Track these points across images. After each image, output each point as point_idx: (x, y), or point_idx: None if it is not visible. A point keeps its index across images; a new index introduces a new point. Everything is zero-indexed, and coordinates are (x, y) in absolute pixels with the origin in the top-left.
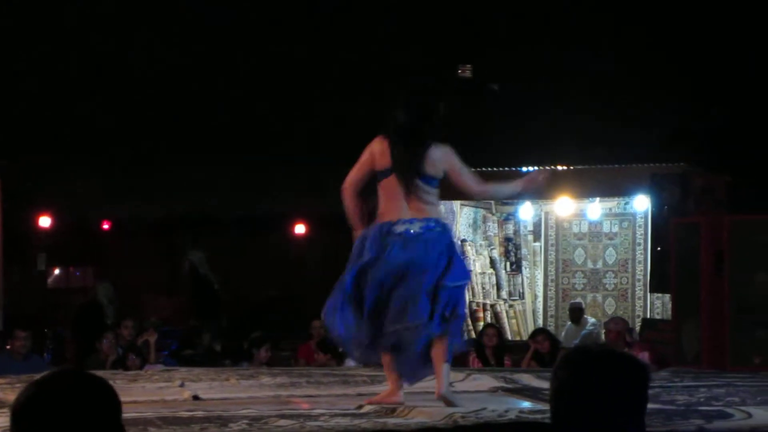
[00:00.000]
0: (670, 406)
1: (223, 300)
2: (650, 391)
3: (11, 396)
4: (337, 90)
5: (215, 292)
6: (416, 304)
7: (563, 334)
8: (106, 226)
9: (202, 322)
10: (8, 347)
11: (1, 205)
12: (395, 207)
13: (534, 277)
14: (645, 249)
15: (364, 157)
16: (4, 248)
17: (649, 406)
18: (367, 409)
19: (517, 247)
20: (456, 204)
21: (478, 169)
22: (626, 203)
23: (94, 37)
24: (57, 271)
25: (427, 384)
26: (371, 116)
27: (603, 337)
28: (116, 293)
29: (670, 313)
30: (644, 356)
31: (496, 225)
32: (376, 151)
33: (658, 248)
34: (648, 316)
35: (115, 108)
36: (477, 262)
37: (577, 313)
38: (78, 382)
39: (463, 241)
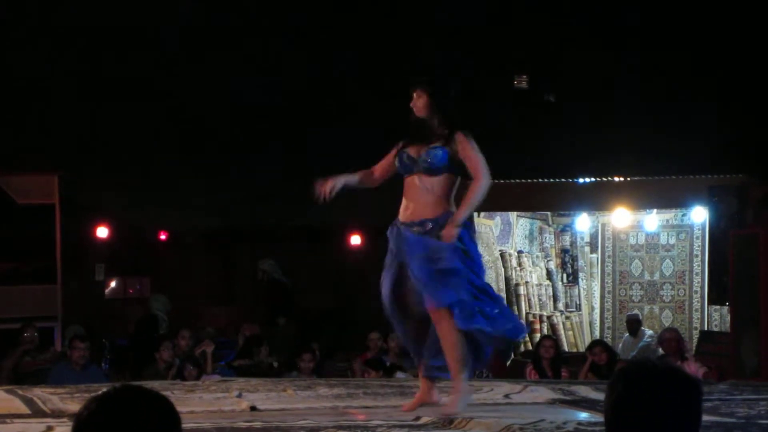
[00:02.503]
0: (730, 419)
1: (296, 301)
2: (709, 404)
3: (70, 406)
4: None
5: (290, 295)
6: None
7: (620, 346)
8: (162, 237)
9: (267, 330)
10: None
11: (60, 216)
12: None
13: (591, 289)
14: (702, 261)
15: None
16: (63, 259)
17: (709, 418)
18: (424, 420)
19: (574, 259)
20: (512, 215)
21: (535, 180)
22: (684, 215)
23: (149, 49)
24: (114, 282)
25: (485, 396)
26: None
27: (660, 349)
28: (170, 304)
29: (728, 325)
30: (698, 368)
31: (552, 236)
32: None
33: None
34: (706, 329)
35: (173, 120)
36: (533, 274)
37: (634, 325)
38: (139, 398)
39: (520, 252)
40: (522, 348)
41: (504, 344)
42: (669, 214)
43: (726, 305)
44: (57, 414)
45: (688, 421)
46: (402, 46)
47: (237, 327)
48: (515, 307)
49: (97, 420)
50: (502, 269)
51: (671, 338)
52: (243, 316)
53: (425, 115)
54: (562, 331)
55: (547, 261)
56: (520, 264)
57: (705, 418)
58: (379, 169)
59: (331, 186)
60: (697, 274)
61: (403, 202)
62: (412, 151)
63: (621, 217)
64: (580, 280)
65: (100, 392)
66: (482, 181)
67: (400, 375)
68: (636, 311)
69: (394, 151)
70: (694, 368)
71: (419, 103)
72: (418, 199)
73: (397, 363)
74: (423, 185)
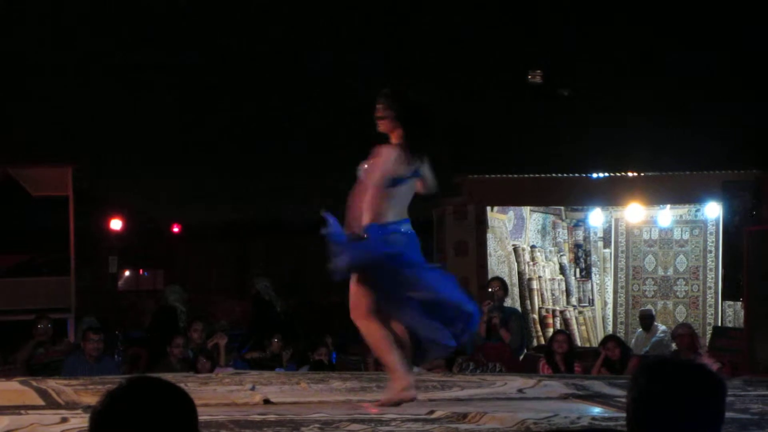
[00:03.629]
0: (745, 415)
1: (283, 322)
2: None
3: (85, 398)
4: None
5: (277, 315)
6: None
7: (633, 341)
8: (176, 229)
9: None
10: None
11: (73, 208)
12: None
13: (604, 284)
14: (716, 256)
15: None
16: (76, 251)
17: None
18: (438, 414)
19: (587, 254)
20: (526, 210)
21: (549, 175)
22: (697, 210)
23: (165, 40)
24: (127, 274)
25: (498, 390)
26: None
27: (674, 344)
28: (186, 294)
29: (742, 321)
30: (712, 363)
31: (565, 231)
32: None
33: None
34: (719, 324)
35: (187, 111)
36: (546, 269)
37: (647, 321)
38: (155, 389)
39: (533, 247)
40: (534, 343)
41: None
42: (683, 210)
43: (739, 301)
44: (71, 405)
45: (711, 417)
46: (414, 44)
47: (249, 320)
48: (528, 302)
49: (114, 412)
50: (515, 264)
51: (684, 334)
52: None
53: (388, 129)
54: (575, 326)
55: (561, 256)
56: (533, 258)
57: None
58: None
59: None
60: (710, 269)
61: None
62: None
63: (634, 212)
64: (593, 275)
65: (116, 384)
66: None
67: (415, 369)
68: (649, 306)
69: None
70: (707, 361)
71: (381, 117)
72: (359, 206)
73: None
74: (361, 193)
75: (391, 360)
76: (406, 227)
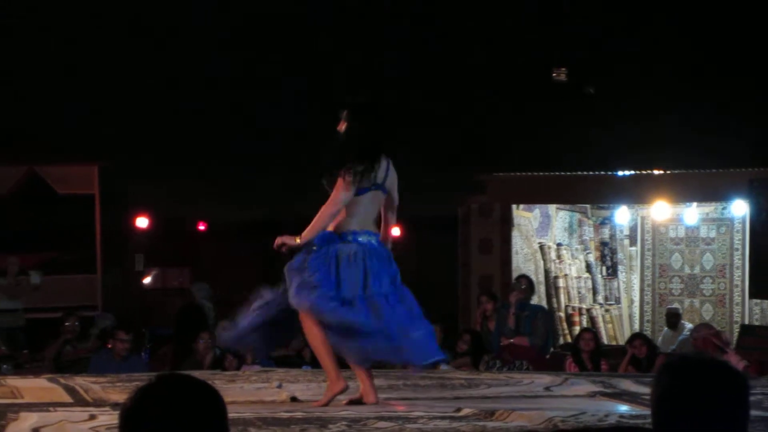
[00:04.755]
0: None
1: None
2: (752, 398)
3: (112, 395)
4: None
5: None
6: None
7: (660, 339)
8: (202, 227)
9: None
10: (109, 346)
11: (100, 206)
12: None
13: (630, 282)
14: (743, 254)
15: None
16: (103, 249)
17: (751, 413)
18: (465, 412)
19: (613, 252)
20: (552, 208)
21: (575, 173)
22: (724, 208)
23: (193, 40)
24: (154, 272)
25: (525, 388)
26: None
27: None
28: (212, 291)
29: None
30: (738, 361)
31: (592, 229)
32: None
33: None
34: (746, 322)
35: (212, 109)
36: (573, 267)
37: (674, 319)
38: (184, 386)
39: (559, 245)
40: (561, 341)
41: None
42: (709, 208)
43: (767, 299)
44: (99, 403)
45: (736, 415)
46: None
47: None
48: (554, 300)
49: (144, 409)
50: (542, 261)
51: (698, 338)
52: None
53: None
54: (601, 324)
55: (587, 254)
56: (559, 256)
57: None
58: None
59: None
60: (737, 267)
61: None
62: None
63: (661, 210)
64: (619, 273)
65: (145, 381)
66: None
67: (444, 367)
68: (676, 305)
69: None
70: (734, 360)
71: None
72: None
73: None
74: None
75: (327, 363)
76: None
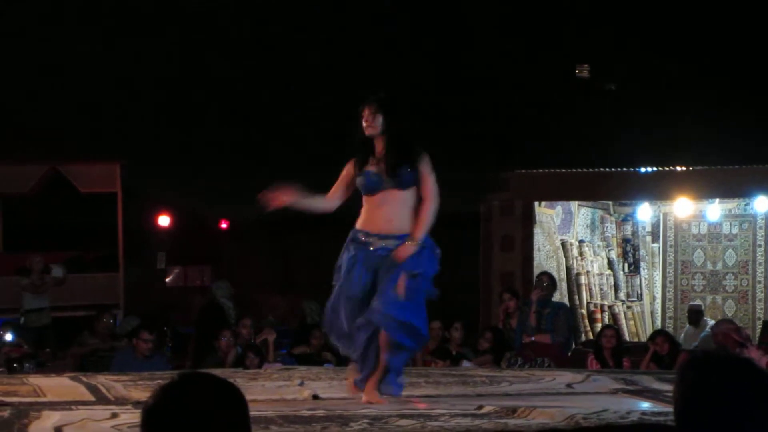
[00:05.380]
0: None
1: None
2: None
3: (134, 393)
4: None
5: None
6: None
7: (682, 336)
8: (223, 226)
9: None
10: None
11: (122, 204)
12: None
13: (652, 279)
14: (766, 250)
15: None
16: (125, 247)
17: None
18: (487, 409)
19: (636, 248)
20: (574, 205)
21: (597, 169)
22: (746, 204)
23: (211, 45)
24: (175, 270)
25: (547, 385)
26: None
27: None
28: (233, 290)
29: None
30: (761, 356)
31: (614, 226)
32: None
33: None
34: None
35: (234, 109)
36: (595, 263)
37: (696, 315)
38: (206, 384)
39: (581, 242)
40: (583, 338)
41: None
42: (731, 204)
43: None
44: (121, 401)
45: (760, 412)
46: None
47: (295, 316)
48: (576, 297)
49: (166, 407)
50: (564, 258)
51: (718, 333)
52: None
53: (378, 133)
54: (623, 321)
55: (609, 250)
56: (581, 253)
57: None
58: (338, 193)
59: (282, 201)
60: (760, 264)
61: (378, 213)
62: (374, 168)
63: (683, 206)
64: (641, 269)
65: (166, 380)
66: (434, 204)
67: (466, 364)
68: (698, 301)
69: (349, 171)
70: (756, 356)
71: (376, 121)
72: (398, 212)
73: (462, 352)
74: (400, 198)
75: None
76: None
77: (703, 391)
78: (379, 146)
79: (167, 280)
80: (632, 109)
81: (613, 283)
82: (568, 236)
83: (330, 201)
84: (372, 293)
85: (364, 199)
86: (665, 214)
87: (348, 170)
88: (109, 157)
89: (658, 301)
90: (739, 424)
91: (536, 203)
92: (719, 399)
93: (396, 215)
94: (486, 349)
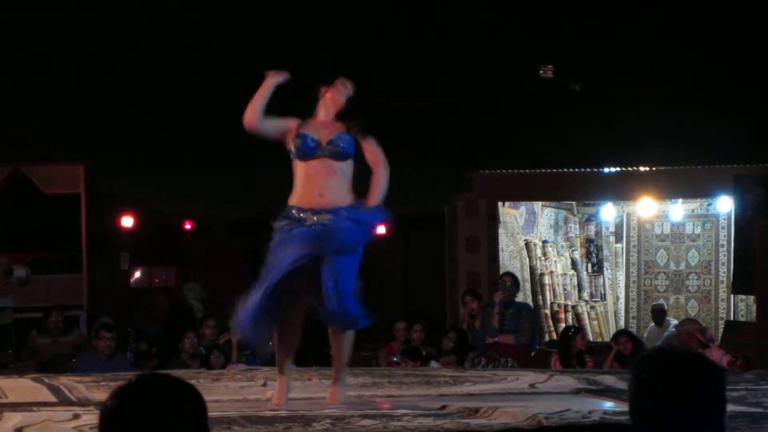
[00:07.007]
0: (757, 408)
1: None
2: (735, 394)
3: (97, 394)
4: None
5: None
6: None
7: (645, 335)
8: (188, 226)
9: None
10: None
11: (85, 205)
12: None
13: (616, 279)
14: (728, 251)
15: None
16: (88, 248)
17: (735, 408)
18: (449, 409)
19: (599, 249)
20: (537, 205)
21: (560, 170)
22: (709, 204)
23: (176, 41)
24: (139, 271)
25: (510, 385)
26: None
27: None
28: (204, 292)
29: (754, 315)
30: (722, 355)
31: (577, 226)
32: None
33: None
34: (731, 319)
35: (197, 107)
36: (558, 264)
37: (659, 315)
38: (164, 385)
39: (545, 242)
40: (546, 338)
41: None
42: (694, 204)
43: (752, 295)
44: (83, 402)
45: (713, 406)
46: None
47: None
48: (540, 297)
49: (123, 409)
50: (527, 259)
51: (682, 332)
52: None
53: (337, 107)
54: (587, 321)
55: (572, 251)
56: (545, 254)
57: (731, 408)
58: (268, 122)
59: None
60: (722, 264)
61: (310, 186)
62: (313, 134)
63: (646, 206)
64: (605, 269)
65: (124, 381)
66: (386, 170)
67: (434, 364)
68: (661, 301)
69: (290, 125)
70: (717, 356)
71: (343, 95)
72: (329, 184)
73: (427, 352)
74: (334, 170)
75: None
76: None
77: (656, 386)
78: (327, 116)
79: (131, 280)
80: (596, 109)
81: (576, 283)
82: (532, 236)
83: (261, 119)
84: (305, 269)
85: (296, 167)
86: (628, 215)
87: (289, 123)
88: (72, 158)
89: (622, 301)
90: (692, 417)
91: (500, 203)
92: (672, 394)
93: (327, 188)
94: (450, 349)
